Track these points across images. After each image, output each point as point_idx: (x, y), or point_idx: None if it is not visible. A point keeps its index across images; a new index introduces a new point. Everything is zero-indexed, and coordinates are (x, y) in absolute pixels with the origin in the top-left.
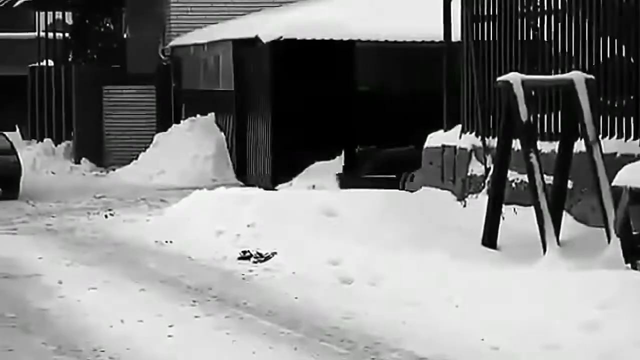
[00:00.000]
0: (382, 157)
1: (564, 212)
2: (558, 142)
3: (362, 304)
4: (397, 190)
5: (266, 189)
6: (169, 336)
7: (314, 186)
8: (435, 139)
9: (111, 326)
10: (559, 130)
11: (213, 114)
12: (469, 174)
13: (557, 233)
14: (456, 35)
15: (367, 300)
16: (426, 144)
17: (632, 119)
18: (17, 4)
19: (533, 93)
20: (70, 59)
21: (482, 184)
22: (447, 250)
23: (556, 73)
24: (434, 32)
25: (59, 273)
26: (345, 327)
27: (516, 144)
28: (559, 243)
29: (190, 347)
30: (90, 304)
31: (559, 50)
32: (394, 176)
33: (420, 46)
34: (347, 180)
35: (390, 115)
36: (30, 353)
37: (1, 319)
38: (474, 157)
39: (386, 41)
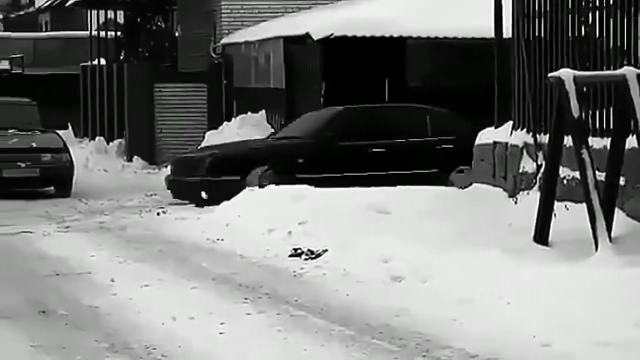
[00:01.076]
0: (222, 156)
1: (616, 209)
2: (610, 138)
3: (413, 301)
4: (448, 187)
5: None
6: (221, 333)
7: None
8: (486, 136)
9: (163, 324)
10: (611, 126)
11: (264, 111)
12: (520, 170)
13: (609, 230)
14: (507, 31)
15: (418, 298)
16: (477, 141)
17: None
18: (69, 3)
19: (585, 89)
20: (122, 58)
21: (534, 181)
22: (499, 247)
23: (608, 69)
24: (485, 28)
25: (111, 270)
26: (397, 324)
27: (568, 140)
28: (611, 240)
29: (241, 344)
30: (142, 301)
31: (611, 46)
32: (238, 177)
33: (471, 43)
34: (175, 184)
35: None
36: (83, 351)
37: (53, 316)
38: (525, 154)
39: (437, 38)
